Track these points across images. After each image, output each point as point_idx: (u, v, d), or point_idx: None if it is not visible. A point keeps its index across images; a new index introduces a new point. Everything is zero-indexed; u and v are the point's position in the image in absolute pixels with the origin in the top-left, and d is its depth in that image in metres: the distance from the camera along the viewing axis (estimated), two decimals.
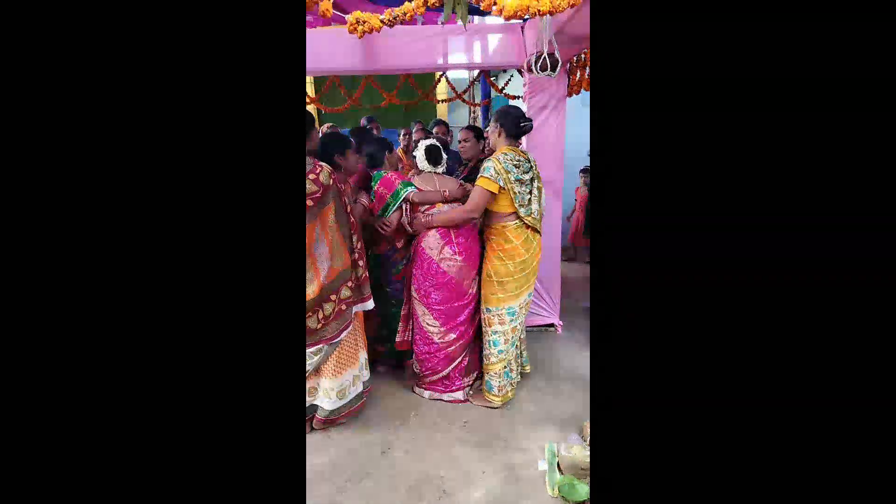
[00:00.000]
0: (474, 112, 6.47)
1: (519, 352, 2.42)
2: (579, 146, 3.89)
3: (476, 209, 2.10)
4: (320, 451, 1.99)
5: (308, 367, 1.97)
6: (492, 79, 4.16)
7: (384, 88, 3.84)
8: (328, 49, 2.86)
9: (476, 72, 4.32)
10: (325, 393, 2.04)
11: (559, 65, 2.11)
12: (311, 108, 4.61)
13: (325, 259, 1.89)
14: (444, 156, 2.29)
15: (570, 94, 2.92)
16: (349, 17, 1.12)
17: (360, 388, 2.13)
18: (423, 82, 4.22)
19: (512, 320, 2.22)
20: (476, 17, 3.67)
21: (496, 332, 2.23)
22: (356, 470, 1.88)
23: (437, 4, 0.97)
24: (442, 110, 7.05)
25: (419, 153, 2.26)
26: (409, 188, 2.22)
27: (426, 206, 2.25)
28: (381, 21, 1.12)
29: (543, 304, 3.07)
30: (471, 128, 2.61)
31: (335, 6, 1.51)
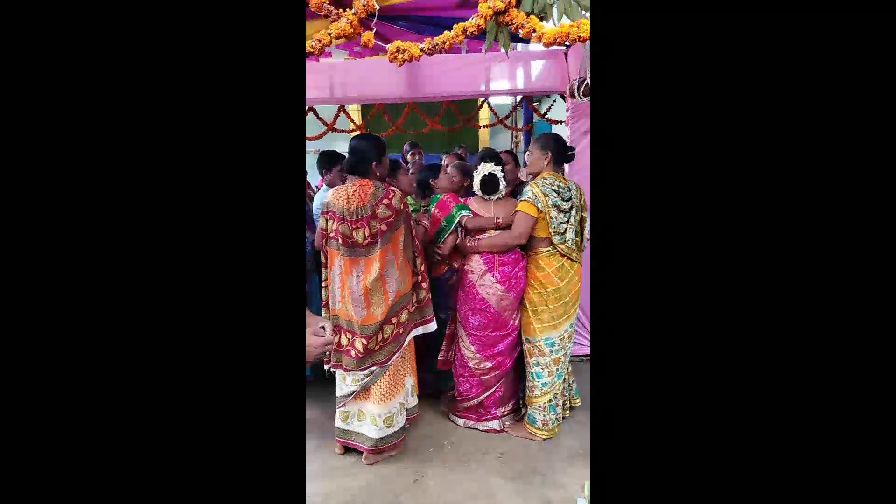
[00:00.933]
0: (516, 137, 6.50)
1: (568, 384, 2.34)
2: None
3: (521, 235, 2.08)
4: (354, 476, 1.98)
5: (357, 388, 1.97)
6: (534, 104, 4.17)
7: (427, 115, 3.92)
8: (374, 77, 2.97)
9: (518, 97, 4.35)
10: (372, 420, 2.01)
11: None
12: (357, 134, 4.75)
13: (395, 282, 1.92)
14: (503, 184, 2.26)
15: None
16: (390, 47, 1.15)
17: (403, 420, 2.10)
18: (465, 108, 4.28)
19: (552, 351, 2.14)
20: (519, 45, 3.71)
21: (538, 363, 2.16)
22: (389, 498, 1.84)
23: (476, 33, 0.98)
24: (484, 136, 7.13)
25: (476, 181, 2.25)
26: (463, 212, 2.23)
27: (476, 231, 2.24)
28: (421, 50, 1.15)
29: (585, 333, 2.97)
30: (500, 154, 2.63)
31: (378, 36, 1.57)
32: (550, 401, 2.18)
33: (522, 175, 2.93)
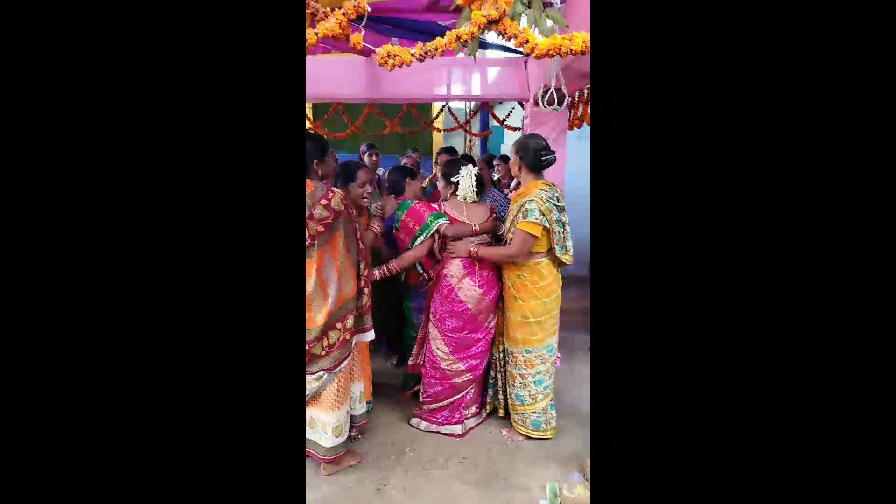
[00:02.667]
0: (470, 141, 6.56)
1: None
2: (578, 178, 3.93)
3: (520, 254, 2.04)
4: (312, 488, 1.91)
5: (308, 393, 1.90)
6: (493, 110, 4.22)
7: (387, 116, 3.87)
8: (332, 76, 2.89)
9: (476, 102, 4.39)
10: (322, 428, 1.96)
11: (566, 99, 2.14)
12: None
13: (334, 284, 1.86)
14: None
15: (570, 128, 2.96)
16: (380, 51, 1.11)
17: (348, 428, 2.05)
18: (424, 112, 4.27)
19: (551, 355, 2.19)
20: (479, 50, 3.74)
21: (539, 371, 2.18)
22: None
23: (469, 41, 0.97)
24: (438, 139, 7.15)
25: (467, 180, 2.21)
26: (440, 220, 2.19)
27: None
28: (413, 55, 1.12)
29: None
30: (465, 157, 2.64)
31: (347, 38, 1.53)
32: (551, 401, 2.23)
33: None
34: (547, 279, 2.11)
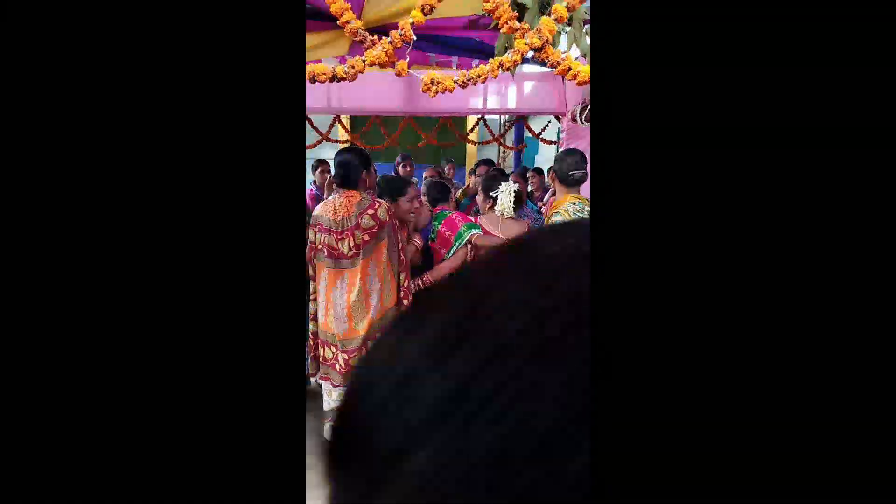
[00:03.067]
0: (504, 153, 6.57)
1: None
2: None
3: None
4: (313, 488, 1.93)
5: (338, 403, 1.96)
6: (528, 123, 4.23)
7: (423, 129, 3.93)
8: (371, 90, 2.96)
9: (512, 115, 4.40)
10: None
11: None
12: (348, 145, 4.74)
13: (377, 293, 1.91)
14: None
15: None
16: (423, 78, 1.14)
17: None
18: (459, 124, 4.31)
19: None
20: None
21: None
22: None
23: (512, 68, 0.98)
24: (472, 150, 7.18)
25: (506, 196, 2.21)
26: (472, 230, 2.20)
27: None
28: (455, 82, 1.14)
29: None
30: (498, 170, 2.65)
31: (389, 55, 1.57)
32: None
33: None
34: None
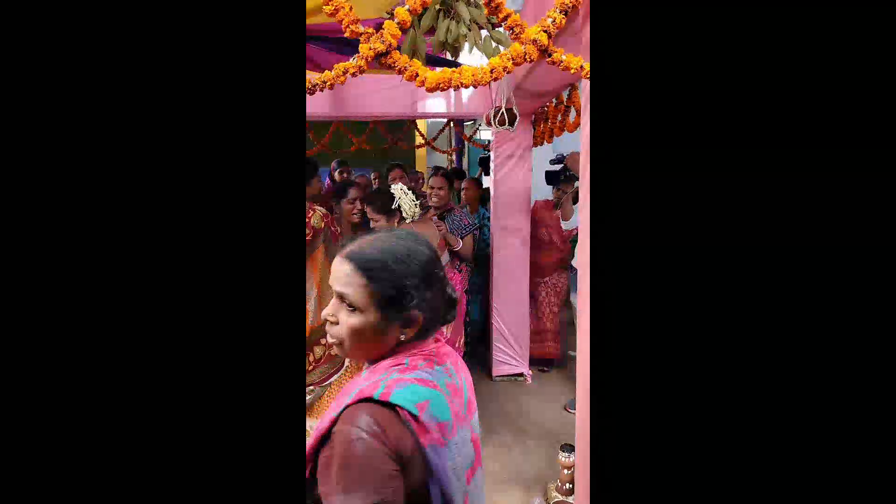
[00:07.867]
0: (451, 156, 6.58)
1: None
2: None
3: None
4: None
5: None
6: (460, 127, 4.24)
7: (353, 134, 3.87)
8: None
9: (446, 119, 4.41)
10: None
11: (517, 119, 2.14)
12: None
13: (313, 300, 1.88)
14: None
15: (536, 144, 2.97)
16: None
17: None
18: (392, 129, 4.27)
19: None
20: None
21: None
22: None
23: (355, 73, 0.94)
24: (421, 154, 7.15)
25: (406, 201, 2.05)
26: None
27: None
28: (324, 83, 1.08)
29: (511, 353, 3.00)
30: (444, 175, 2.61)
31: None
32: None
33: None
34: None
